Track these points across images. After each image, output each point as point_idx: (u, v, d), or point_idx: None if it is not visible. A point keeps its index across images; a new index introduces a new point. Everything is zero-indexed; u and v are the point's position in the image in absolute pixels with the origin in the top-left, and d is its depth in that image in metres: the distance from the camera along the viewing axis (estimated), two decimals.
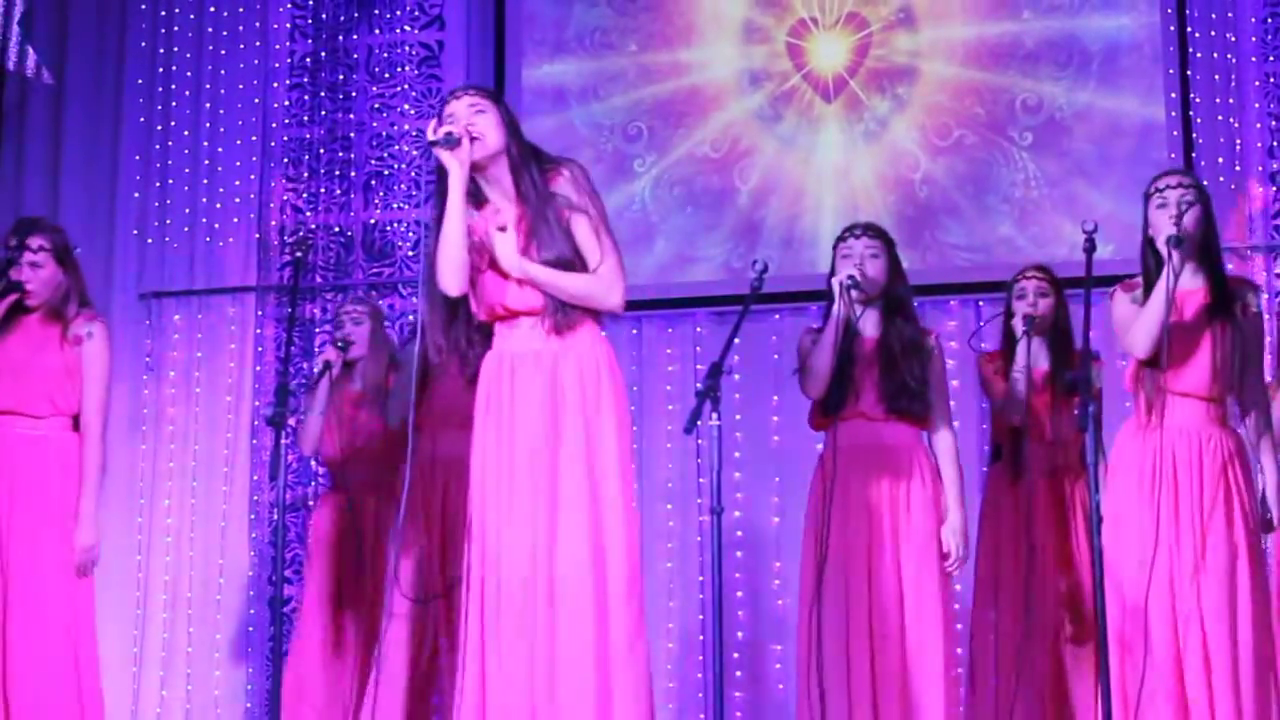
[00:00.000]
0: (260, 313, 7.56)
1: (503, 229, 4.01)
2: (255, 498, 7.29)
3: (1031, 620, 5.16)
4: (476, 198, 4.06)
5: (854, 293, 4.82)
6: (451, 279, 3.97)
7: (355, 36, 7.79)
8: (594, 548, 3.87)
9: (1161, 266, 4.34)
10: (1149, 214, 4.47)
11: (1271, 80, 6.86)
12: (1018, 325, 5.36)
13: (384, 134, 7.70)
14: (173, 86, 7.84)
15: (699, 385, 4.12)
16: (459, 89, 4.12)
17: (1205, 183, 4.76)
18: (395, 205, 7.62)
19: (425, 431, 5.15)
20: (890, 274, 4.95)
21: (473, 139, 3.95)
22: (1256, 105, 6.82)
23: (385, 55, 7.77)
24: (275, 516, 4.49)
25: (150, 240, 7.75)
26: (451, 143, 3.90)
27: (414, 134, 7.66)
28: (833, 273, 4.94)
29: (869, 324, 4.93)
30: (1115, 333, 4.61)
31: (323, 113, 7.73)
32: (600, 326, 4.07)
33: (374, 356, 5.75)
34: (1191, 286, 4.46)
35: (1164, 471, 4.40)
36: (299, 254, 5.06)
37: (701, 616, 6.15)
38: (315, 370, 5.61)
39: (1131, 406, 4.58)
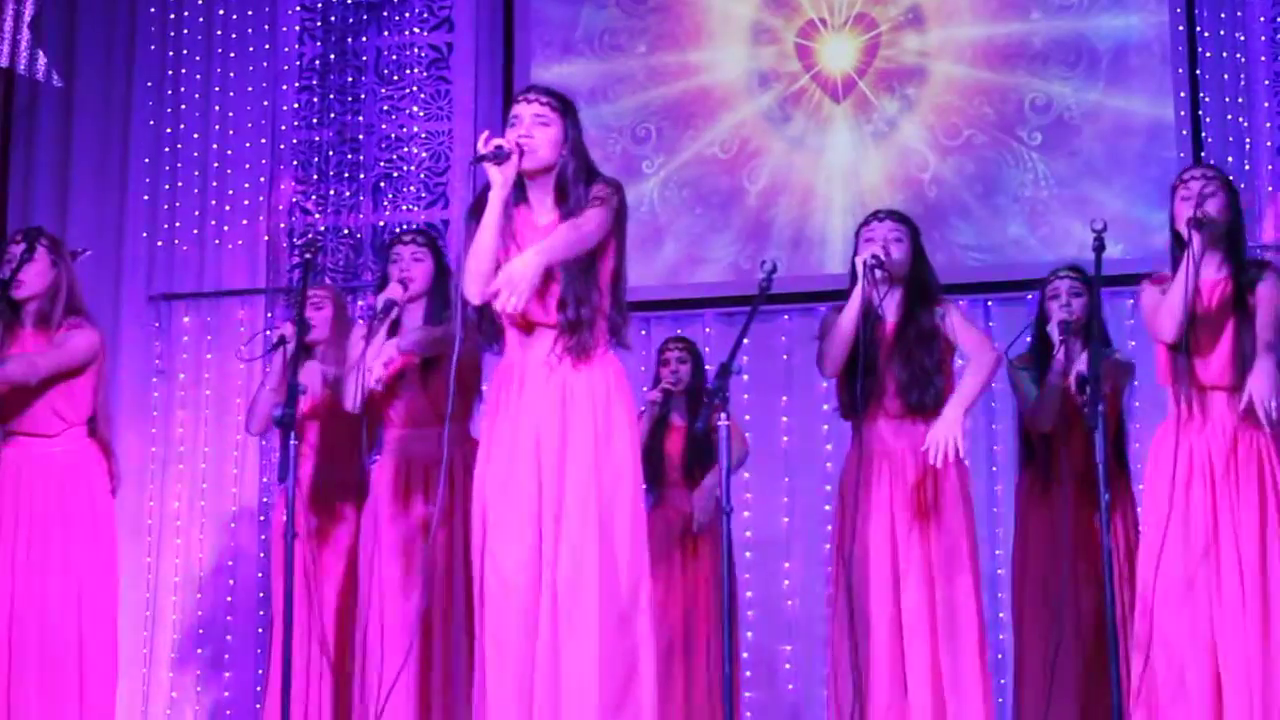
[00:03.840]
0: (269, 315, 7.56)
1: None
2: (265, 499, 7.29)
3: (1062, 627, 5.13)
4: (518, 194, 4.02)
5: (878, 273, 4.73)
6: (474, 287, 3.96)
7: (364, 39, 7.79)
8: (602, 559, 3.87)
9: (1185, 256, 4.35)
10: (1174, 206, 4.50)
11: None
12: (1053, 331, 5.29)
13: (393, 136, 7.70)
14: (182, 89, 7.85)
15: (708, 386, 4.10)
16: (532, 92, 4.07)
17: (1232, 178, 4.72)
18: (404, 207, 7.62)
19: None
20: (914, 259, 4.90)
21: (523, 152, 3.92)
22: (1266, 104, 6.81)
23: (394, 57, 7.77)
24: (285, 518, 4.47)
25: (160, 243, 7.75)
26: (500, 157, 3.86)
27: (423, 136, 7.67)
28: (856, 257, 4.86)
29: (890, 312, 4.84)
30: (1145, 323, 4.60)
31: (331, 115, 7.73)
32: (613, 347, 4.07)
33: (336, 341, 5.70)
34: (1215, 277, 4.48)
35: (1198, 468, 4.41)
36: (308, 256, 4.99)
37: None
38: (272, 344, 5.54)
39: (1168, 405, 4.55)
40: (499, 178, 3.88)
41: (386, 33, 7.79)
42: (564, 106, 4.05)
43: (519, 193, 4.02)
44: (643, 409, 5.99)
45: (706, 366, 6.38)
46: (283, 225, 7.70)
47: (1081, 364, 5.00)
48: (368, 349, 4.88)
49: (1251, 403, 4.28)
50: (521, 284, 3.75)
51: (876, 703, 4.63)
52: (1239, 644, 4.30)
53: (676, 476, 6.09)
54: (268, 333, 6.07)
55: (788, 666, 6.90)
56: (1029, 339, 5.50)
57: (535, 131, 3.97)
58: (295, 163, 7.76)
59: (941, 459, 4.58)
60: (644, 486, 4.12)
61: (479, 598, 3.96)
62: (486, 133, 3.93)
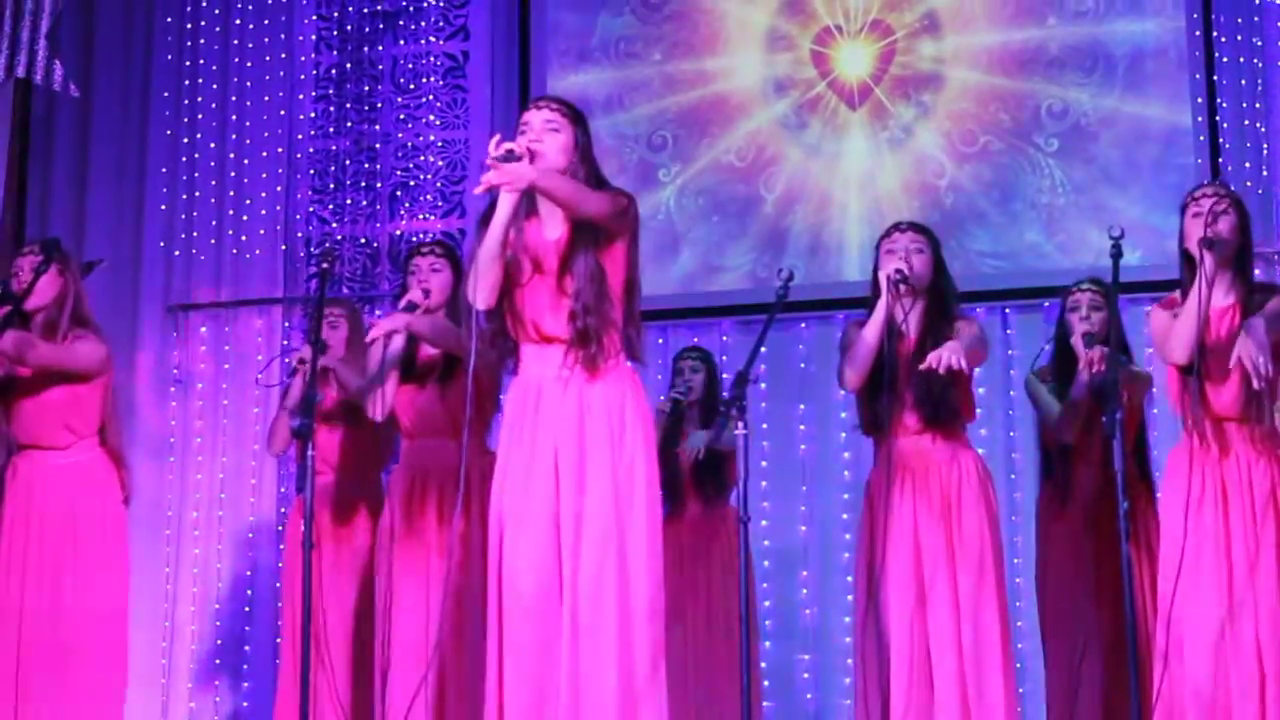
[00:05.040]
0: (287, 325, 7.58)
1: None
2: (282, 510, 7.30)
3: (1085, 637, 5.11)
4: (527, 205, 4.00)
5: (902, 287, 4.75)
6: (480, 292, 3.95)
7: (380, 48, 7.81)
8: (620, 573, 3.87)
9: (1196, 277, 4.31)
10: (1184, 225, 4.45)
11: None
12: (1077, 344, 5.26)
13: (409, 145, 7.71)
14: (199, 99, 7.86)
15: (724, 396, 4.10)
16: (543, 100, 4.09)
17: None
18: (421, 216, 7.63)
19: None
20: (935, 271, 4.91)
21: (533, 156, 3.90)
22: None
23: (410, 66, 7.78)
24: (303, 528, 4.48)
25: (177, 253, 7.77)
26: (510, 161, 3.82)
27: (440, 145, 7.67)
28: (877, 269, 4.87)
29: (911, 328, 4.84)
30: (1155, 347, 4.57)
31: (348, 124, 7.74)
32: (629, 359, 4.05)
33: (352, 358, 5.69)
34: (1223, 305, 4.42)
35: (1210, 499, 4.37)
36: (325, 266, 5.00)
37: None
38: (289, 367, 5.55)
39: (1181, 427, 4.52)
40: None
41: (402, 42, 7.80)
42: (574, 115, 4.06)
43: (529, 204, 4.00)
44: None
45: (723, 375, 6.37)
46: (300, 234, 7.72)
47: (1090, 325, 5.12)
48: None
49: (1241, 362, 4.18)
50: (515, 177, 3.76)
51: (900, 713, 4.63)
52: (1255, 655, 4.27)
53: (689, 486, 6.07)
54: (286, 360, 6.08)
55: (805, 676, 6.88)
56: (1048, 348, 5.48)
57: (545, 137, 3.97)
58: (312, 172, 7.78)
59: (945, 367, 4.55)
60: (660, 497, 4.11)
61: (494, 608, 3.95)
62: (498, 135, 3.88)
